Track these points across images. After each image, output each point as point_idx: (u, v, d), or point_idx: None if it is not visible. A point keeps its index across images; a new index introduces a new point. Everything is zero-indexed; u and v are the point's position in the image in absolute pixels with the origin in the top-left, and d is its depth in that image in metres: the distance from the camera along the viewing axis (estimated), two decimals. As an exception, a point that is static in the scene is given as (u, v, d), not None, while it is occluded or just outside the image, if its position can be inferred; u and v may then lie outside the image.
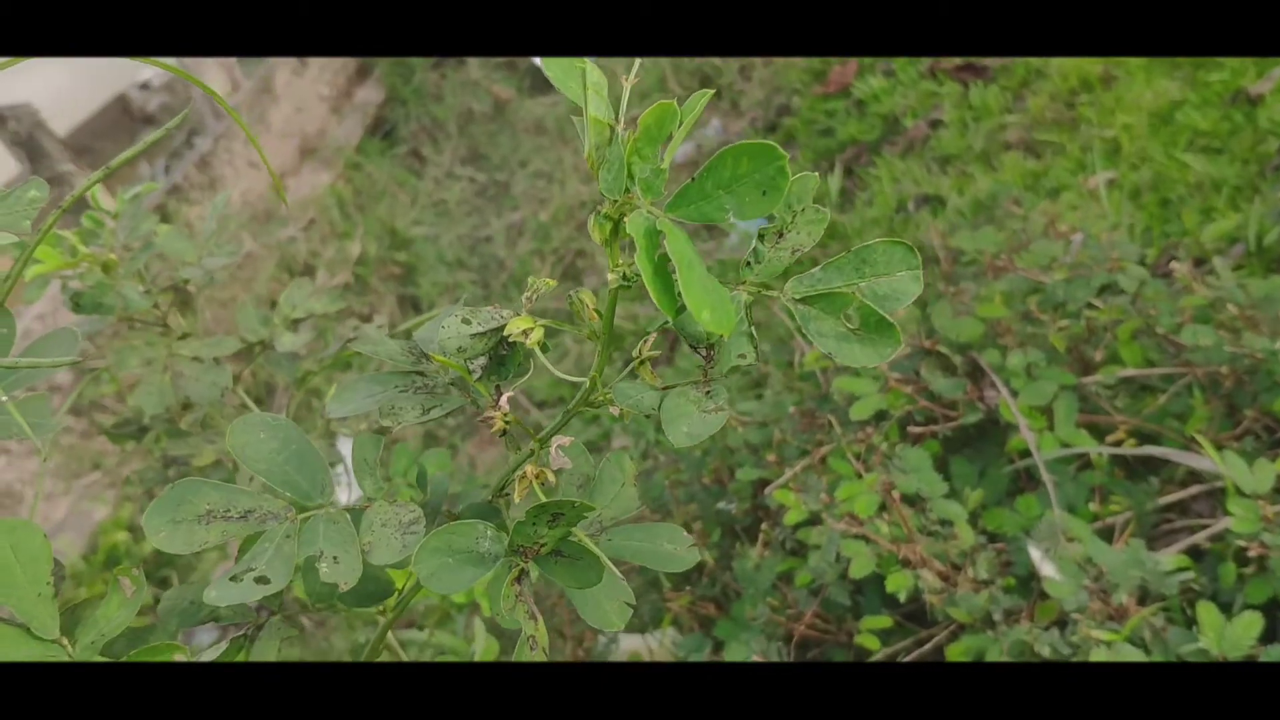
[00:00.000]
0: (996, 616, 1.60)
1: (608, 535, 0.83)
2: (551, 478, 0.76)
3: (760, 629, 1.77)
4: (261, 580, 0.71)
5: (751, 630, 1.77)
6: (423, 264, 5.54)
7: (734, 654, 1.78)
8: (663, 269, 0.61)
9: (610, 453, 0.85)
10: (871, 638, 1.69)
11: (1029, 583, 1.66)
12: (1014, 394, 1.80)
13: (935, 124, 4.26)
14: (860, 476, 1.73)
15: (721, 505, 2.00)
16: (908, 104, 4.42)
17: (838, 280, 0.65)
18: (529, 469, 0.75)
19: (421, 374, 0.82)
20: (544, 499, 0.75)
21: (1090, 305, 1.92)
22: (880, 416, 1.91)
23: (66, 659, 0.75)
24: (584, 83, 0.65)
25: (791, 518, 1.70)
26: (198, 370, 1.23)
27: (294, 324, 1.34)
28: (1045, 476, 1.71)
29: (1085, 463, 1.79)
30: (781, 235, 0.65)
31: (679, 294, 0.59)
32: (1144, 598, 1.53)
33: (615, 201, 0.64)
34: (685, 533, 0.83)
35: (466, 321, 0.75)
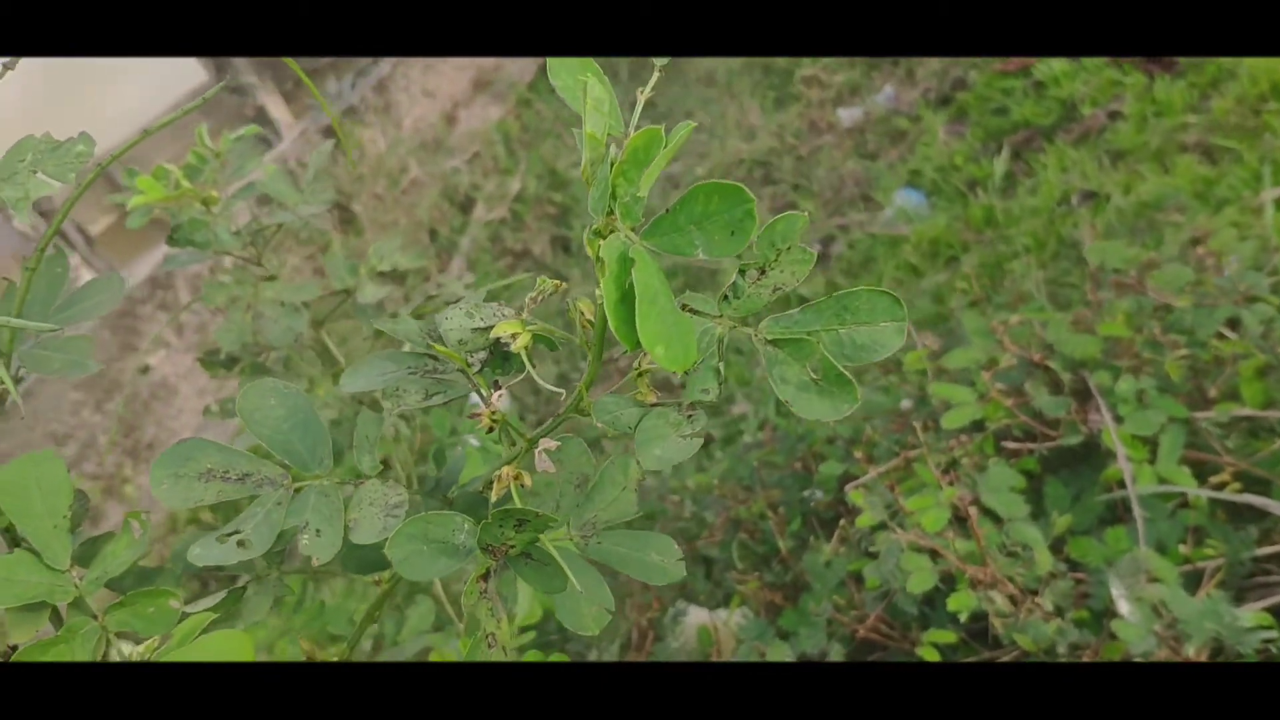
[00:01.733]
0: (1061, 649, 1.55)
1: (599, 538, 0.83)
2: (528, 481, 0.76)
3: (823, 625, 1.76)
4: (243, 544, 0.74)
5: (814, 625, 1.76)
6: (578, 207, 5.59)
7: (801, 645, 1.77)
8: (629, 297, 0.60)
9: (616, 456, 0.85)
10: (932, 650, 1.66)
11: (1102, 618, 1.60)
12: (1119, 420, 1.72)
13: (1114, 115, 4.06)
14: (942, 487, 1.68)
15: (806, 494, 1.98)
16: (1088, 91, 4.22)
17: (816, 324, 0.64)
18: (506, 470, 0.76)
19: (434, 359, 0.84)
20: (517, 502, 0.76)
21: (1221, 335, 1.82)
22: (977, 427, 1.85)
23: (73, 590, 0.80)
24: (584, 96, 0.65)
25: (863, 520, 1.67)
26: (277, 313, 1.27)
27: (379, 276, 1.37)
28: (1136, 511, 1.64)
29: (1185, 501, 1.71)
30: (763, 272, 0.64)
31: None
32: (1218, 652, 1.45)
33: (599, 221, 0.63)
34: (675, 545, 0.83)
35: (469, 315, 0.76)
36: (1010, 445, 1.80)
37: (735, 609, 1.94)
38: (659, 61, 0.73)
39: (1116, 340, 1.83)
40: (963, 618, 1.55)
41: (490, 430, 0.76)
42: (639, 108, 0.72)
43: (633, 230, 0.62)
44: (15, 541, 0.83)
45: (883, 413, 1.96)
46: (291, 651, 1.45)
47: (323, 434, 0.80)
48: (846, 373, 0.60)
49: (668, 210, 0.60)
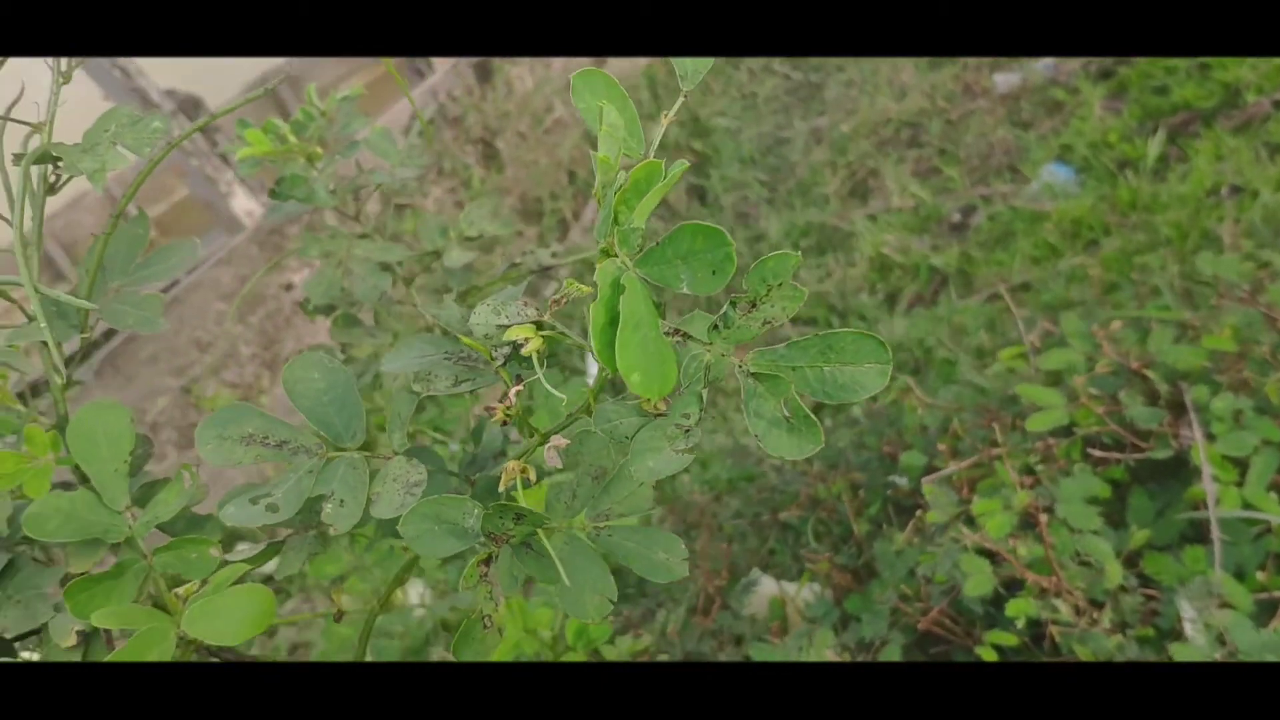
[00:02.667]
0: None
1: (609, 531, 0.87)
2: (532, 476, 0.80)
3: (886, 614, 1.77)
4: (272, 508, 0.80)
5: (878, 613, 1.77)
6: (718, 156, 5.58)
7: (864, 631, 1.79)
8: (616, 322, 0.63)
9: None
10: (991, 651, 1.65)
11: (1166, 638, 1.57)
12: (1211, 438, 1.67)
13: (1279, 104, 3.85)
14: (1019, 489, 1.67)
15: (889, 479, 1.98)
16: (1255, 77, 4.01)
17: (801, 360, 0.65)
18: (513, 464, 0.79)
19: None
20: (520, 496, 0.80)
21: (1336, 359, 1.74)
22: (1067, 431, 1.82)
23: (126, 530, 0.87)
24: (600, 121, 0.67)
25: (931, 516, 1.67)
26: (365, 270, 1.34)
27: (466, 240, 1.42)
28: (1215, 533, 1.60)
29: (1269, 528, 1.65)
30: (754, 306, 0.66)
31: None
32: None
33: (603, 243, 0.66)
34: (681, 545, 0.86)
35: (496, 312, 0.80)
36: (1097, 453, 1.77)
37: (804, 585, 1.96)
38: (685, 86, 0.75)
39: (1221, 354, 1.77)
40: (1019, 624, 1.54)
41: (505, 424, 0.80)
42: (661, 132, 0.74)
43: (629, 257, 0.64)
44: (84, 479, 0.91)
45: (972, 406, 1.94)
46: (361, 587, 1.54)
47: (358, 409, 0.85)
48: (813, 416, 0.62)
49: (657, 243, 0.63)
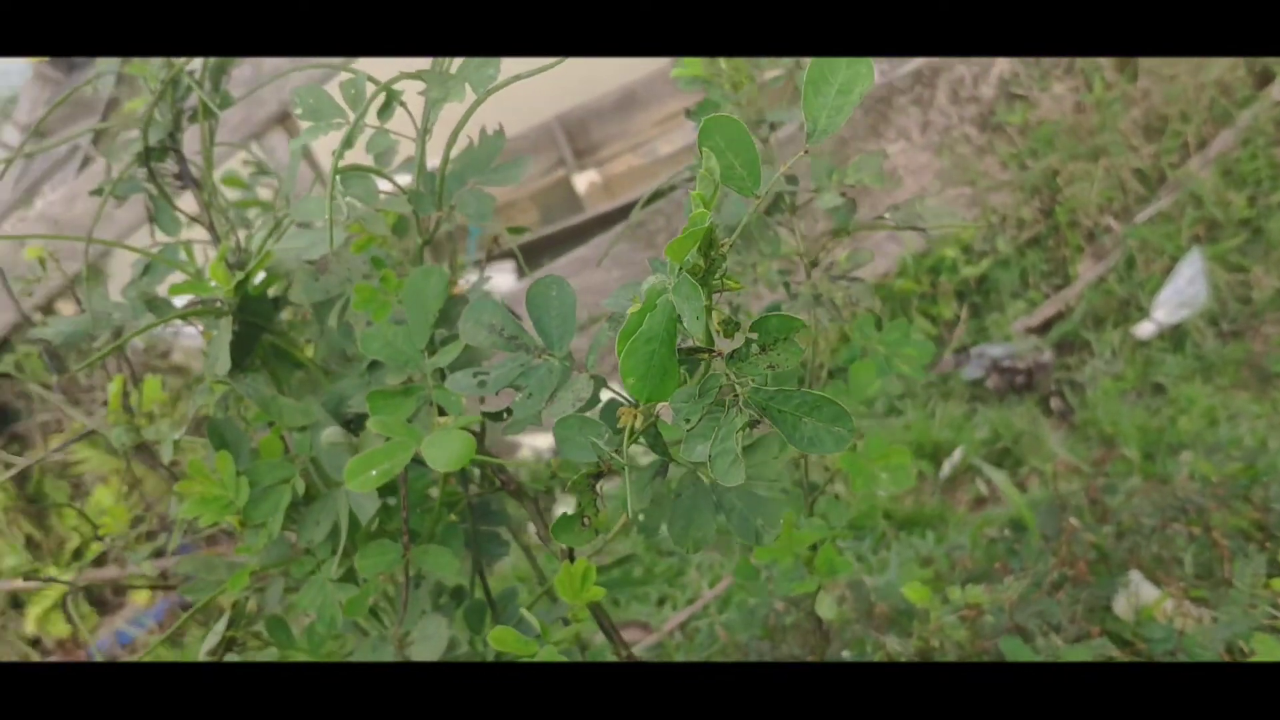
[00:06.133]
0: None
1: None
2: (640, 422, 0.95)
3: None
4: (482, 383, 1.05)
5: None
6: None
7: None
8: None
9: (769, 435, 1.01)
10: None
11: None
12: None
13: None
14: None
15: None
16: None
17: (785, 406, 0.76)
18: (628, 412, 0.96)
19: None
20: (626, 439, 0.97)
21: None
22: None
23: (421, 365, 1.17)
24: (701, 163, 0.80)
25: None
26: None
27: (841, 185, 1.54)
28: None
29: None
30: (764, 350, 0.77)
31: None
32: None
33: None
34: (782, 518, 0.99)
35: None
36: None
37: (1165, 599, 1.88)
38: (810, 143, 0.84)
39: None
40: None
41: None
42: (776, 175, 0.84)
43: (686, 276, 0.78)
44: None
45: None
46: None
47: (571, 326, 1.06)
48: (740, 459, 0.74)
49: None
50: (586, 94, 6.38)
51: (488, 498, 1.50)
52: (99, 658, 3.14)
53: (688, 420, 0.82)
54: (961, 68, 5.06)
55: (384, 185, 1.22)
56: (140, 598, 3.51)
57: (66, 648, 3.32)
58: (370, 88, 1.18)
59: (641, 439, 0.95)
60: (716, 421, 0.82)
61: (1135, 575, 2.08)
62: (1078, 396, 3.91)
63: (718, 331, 0.83)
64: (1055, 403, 3.99)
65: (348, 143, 1.12)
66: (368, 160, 1.26)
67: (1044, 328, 4.38)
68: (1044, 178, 4.69)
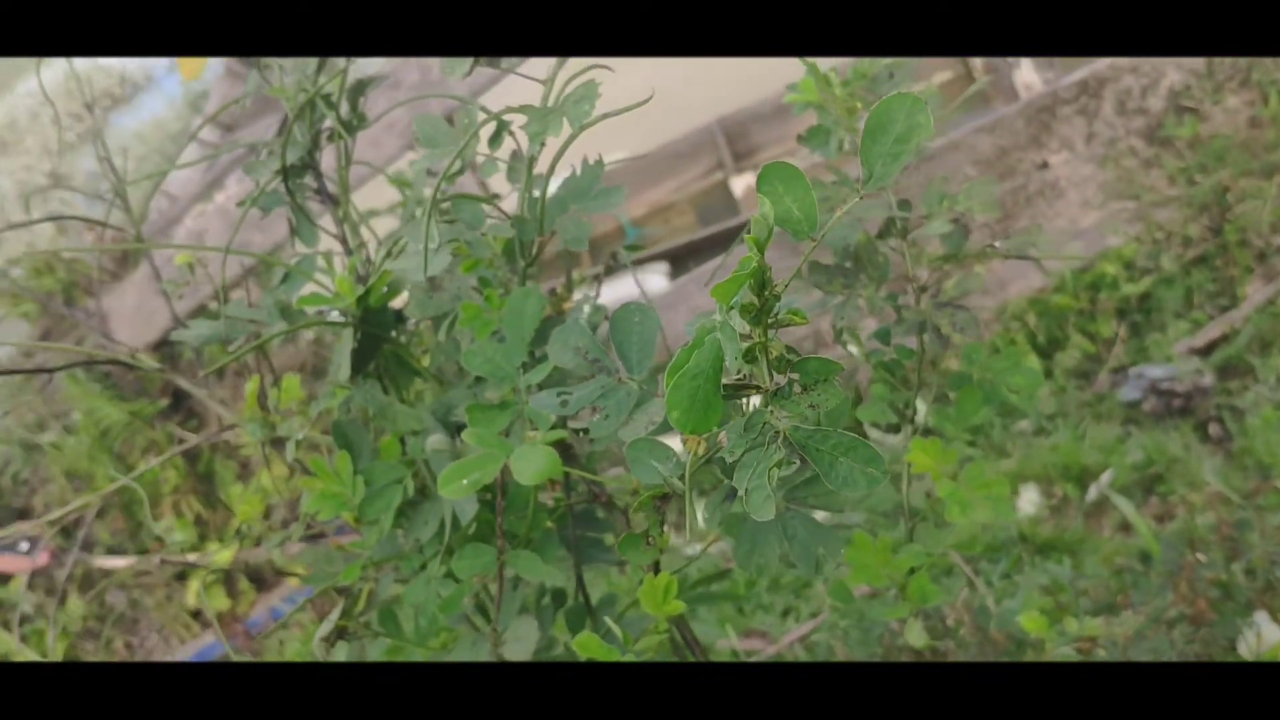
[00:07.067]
0: None
1: (793, 513, 1.05)
2: (703, 449, 0.99)
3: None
4: (564, 403, 1.11)
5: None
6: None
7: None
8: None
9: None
10: None
11: None
12: None
13: None
14: None
15: None
16: None
17: (823, 445, 0.80)
18: (691, 440, 1.00)
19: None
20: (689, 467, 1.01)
21: None
22: None
23: (515, 380, 1.24)
24: (759, 207, 0.84)
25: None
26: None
27: (949, 211, 1.54)
28: None
29: None
30: (805, 390, 0.81)
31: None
32: None
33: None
34: (842, 553, 1.02)
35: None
36: None
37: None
38: (864, 189, 0.86)
39: None
40: None
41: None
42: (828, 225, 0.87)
43: (740, 318, 0.81)
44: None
45: None
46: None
47: (652, 351, 1.10)
48: (773, 495, 0.77)
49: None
50: (747, 97, 6.38)
51: (591, 506, 1.56)
52: (253, 633, 3.35)
53: (732, 453, 0.86)
54: (1129, 78, 4.90)
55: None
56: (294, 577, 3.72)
57: (224, 621, 3.55)
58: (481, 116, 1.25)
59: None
60: (758, 456, 0.85)
61: (1261, 616, 2.01)
62: (1237, 424, 3.75)
63: (771, 368, 0.86)
64: (1214, 429, 3.83)
65: (451, 172, 1.20)
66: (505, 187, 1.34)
67: (1207, 350, 4.21)
68: (1213, 194, 4.50)
